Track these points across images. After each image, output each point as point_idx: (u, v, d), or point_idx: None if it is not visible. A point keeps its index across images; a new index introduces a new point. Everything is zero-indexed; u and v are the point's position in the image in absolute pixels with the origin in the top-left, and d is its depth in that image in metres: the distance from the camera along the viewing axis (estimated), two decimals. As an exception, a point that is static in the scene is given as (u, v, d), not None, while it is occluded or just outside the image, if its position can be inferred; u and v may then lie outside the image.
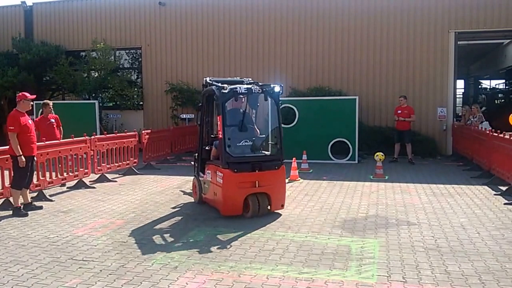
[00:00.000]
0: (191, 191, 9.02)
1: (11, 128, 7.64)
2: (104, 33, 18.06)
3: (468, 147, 12.80)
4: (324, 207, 8.13)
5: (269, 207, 7.51)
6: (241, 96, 7.49)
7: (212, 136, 8.39)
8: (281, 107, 9.58)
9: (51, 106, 10.63)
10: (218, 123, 7.24)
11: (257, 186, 7.17)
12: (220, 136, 7.18)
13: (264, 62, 16.44)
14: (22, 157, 7.67)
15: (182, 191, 9.56)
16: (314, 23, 16.03)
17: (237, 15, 16.82)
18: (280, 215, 7.53)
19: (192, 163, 9.37)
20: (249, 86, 7.47)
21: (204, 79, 8.37)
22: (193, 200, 8.73)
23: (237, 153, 7.29)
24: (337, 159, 13.54)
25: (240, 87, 7.31)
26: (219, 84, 7.39)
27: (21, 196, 7.97)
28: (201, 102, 8.42)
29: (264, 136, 7.75)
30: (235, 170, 7.08)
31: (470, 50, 21.71)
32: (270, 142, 7.65)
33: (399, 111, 13.62)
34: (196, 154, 8.62)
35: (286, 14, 16.29)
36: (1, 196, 8.17)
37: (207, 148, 8.20)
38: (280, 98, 8.09)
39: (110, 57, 17.50)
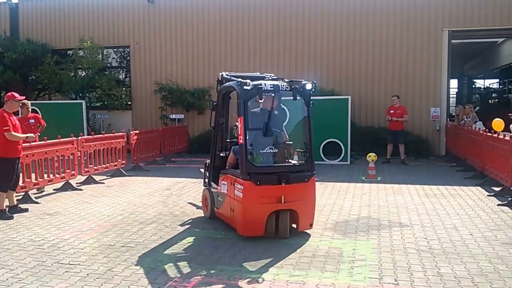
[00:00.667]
0: (201, 203, 7.95)
1: (6, 128, 7.51)
2: (91, 31, 17.84)
3: (462, 148, 12.77)
4: (316, 208, 7.99)
5: (294, 226, 6.50)
6: (266, 94, 6.40)
7: (228, 140, 7.34)
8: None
9: (29, 106, 10.28)
10: (239, 125, 6.24)
11: (283, 201, 6.14)
12: (241, 141, 6.22)
13: (255, 61, 16.34)
14: (29, 136, 8.01)
15: (192, 204, 8.54)
16: (306, 23, 15.98)
17: (228, 14, 16.71)
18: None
19: (202, 170, 8.33)
20: (276, 82, 6.49)
21: (220, 74, 7.34)
22: (181, 202, 8.62)
23: (261, 162, 6.34)
24: (329, 160, 13.47)
25: (265, 84, 6.32)
26: (241, 80, 6.40)
27: (6, 199, 7.79)
28: (215, 101, 7.39)
29: (292, 142, 6.74)
30: (258, 183, 6.07)
31: (464, 49, 21.76)
32: (299, 149, 6.63)
33: (392, 111, 13.57)
34: (208, 161, 7.59)
35: (278, 13, 16.23)
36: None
37: (222, 154, 7.22)
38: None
39: (97, 56, 17.30)
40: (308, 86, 6.41)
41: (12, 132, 7.55)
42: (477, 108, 20.67)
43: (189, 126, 16.51)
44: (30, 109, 10.38)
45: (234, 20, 16.64)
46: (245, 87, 6.16)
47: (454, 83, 29.15)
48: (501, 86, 27.29)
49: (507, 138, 9.05)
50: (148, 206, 8.37)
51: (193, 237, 6.44)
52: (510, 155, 8.48)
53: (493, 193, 8.99)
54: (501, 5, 14.51)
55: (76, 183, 10.27)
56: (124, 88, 18.03)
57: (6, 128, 7.48)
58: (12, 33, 18.76)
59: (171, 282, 4.86)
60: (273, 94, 6.46)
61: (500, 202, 8.29)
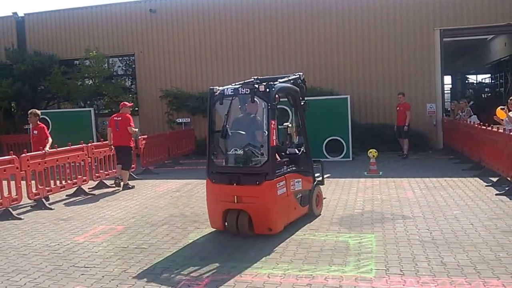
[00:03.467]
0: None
1: (132, 124, 10.64)
2: (96, 41, 18.10)
3: (458, 141, 13.01)
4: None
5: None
6: (227, 98, 6.71)
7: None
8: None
9: (38, 115, 10.23)
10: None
11: (235, 201, 6.40)
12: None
13: (256, 64, 16.54)
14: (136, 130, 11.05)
15: None
16: (303, 26, 16.23)
17: (228, 19, 16.96)
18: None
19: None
20: (237, 86, 6.73)
21: (253, 78, 7.16)
22: (191, 203, 8.83)
23: (220, 162, 6.80)
24: (332, 157, 13.67)
25: (227, 89, 6.72)
26: (217, 87, 6.81)
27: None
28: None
29: (256, 145, 6.62)
30: (213, 181, 6.66)
31: (456, 47, 22.02)
32: (254, 150, 6.57)
33: (398, 108, 13.99)
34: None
35: (275, 17, 16.46)
36: (1, 206, 8.20)
37: None
38: None
39: (103, 64, 17.54)
40: (261, 88, 6.38)
41: (133, 128, 10.50)
42: (471, 102, 20.82)
43: (196, 129, 16.73)
44: (38, 119, 10.19)
45: (235, 25, 16.88)
46: (215, 93, 6.69)
47: (448, 79, 29.57)
48: (493, 81, 27.55)
49: (501, 131, 9.26)
50: (159, 208, 8.54)
51: (204, 237, 6.60)
52: (504, 146, 8.67)
53: (490, 183, 9.17)
54: (489, 4, 14.81)
55: (88, 188, 10.45)
56: (130, 95, 18.27)
57: (132, 124, 10.47)
58: (20, 45, 18.99)
59: (184, 281, 4.97)
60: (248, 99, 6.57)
61: (497, 192, 8.43)
